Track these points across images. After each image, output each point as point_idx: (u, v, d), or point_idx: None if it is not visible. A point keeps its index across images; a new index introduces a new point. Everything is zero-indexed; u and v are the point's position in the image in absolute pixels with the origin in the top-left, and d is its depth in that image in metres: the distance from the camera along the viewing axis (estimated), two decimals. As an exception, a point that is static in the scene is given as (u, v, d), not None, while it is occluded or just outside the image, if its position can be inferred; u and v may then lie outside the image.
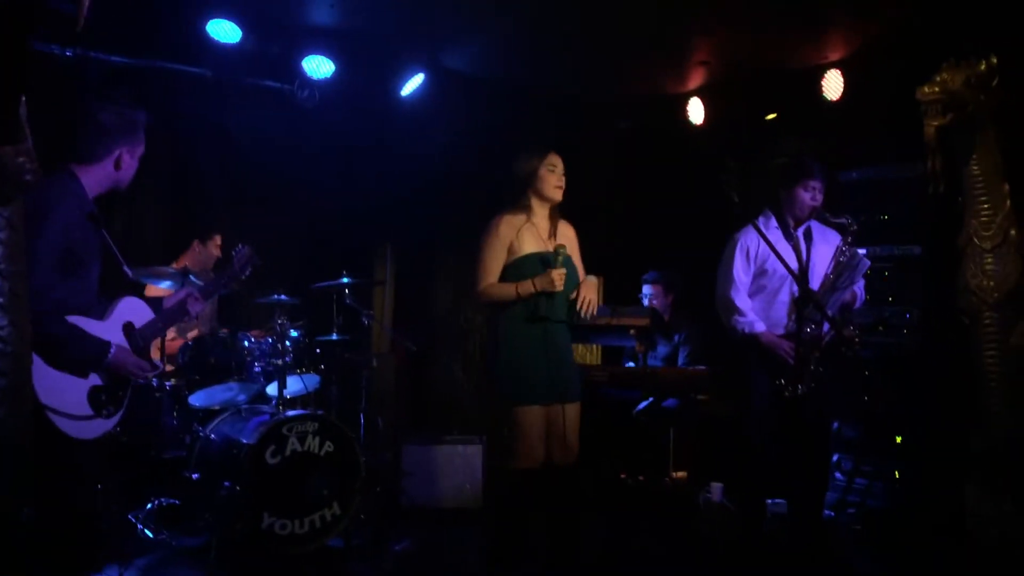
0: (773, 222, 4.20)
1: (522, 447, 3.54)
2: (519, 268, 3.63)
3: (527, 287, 3.57)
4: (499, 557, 3.65)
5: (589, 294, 3.75)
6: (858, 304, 4.25)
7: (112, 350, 3.02)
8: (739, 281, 4.19)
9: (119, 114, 3.10)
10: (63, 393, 2.91)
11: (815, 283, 4.04)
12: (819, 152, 5.05)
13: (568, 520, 3.74)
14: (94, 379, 3.02)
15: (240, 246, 3.80)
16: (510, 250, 3.64)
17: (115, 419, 3.12)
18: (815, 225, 4.23)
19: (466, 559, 4.47)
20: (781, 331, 4.13)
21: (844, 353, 4.07)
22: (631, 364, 5.75)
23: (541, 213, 3.75)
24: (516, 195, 3.71)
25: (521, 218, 3.68)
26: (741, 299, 4.18)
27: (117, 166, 3.08)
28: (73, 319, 2.96)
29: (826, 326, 3.99)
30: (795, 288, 4.03)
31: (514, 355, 3.60)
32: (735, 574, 4.13)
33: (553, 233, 3.76)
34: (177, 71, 4.93)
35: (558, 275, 3.55)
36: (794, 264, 3.97)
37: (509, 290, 3.60)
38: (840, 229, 4.10)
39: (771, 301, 4.17)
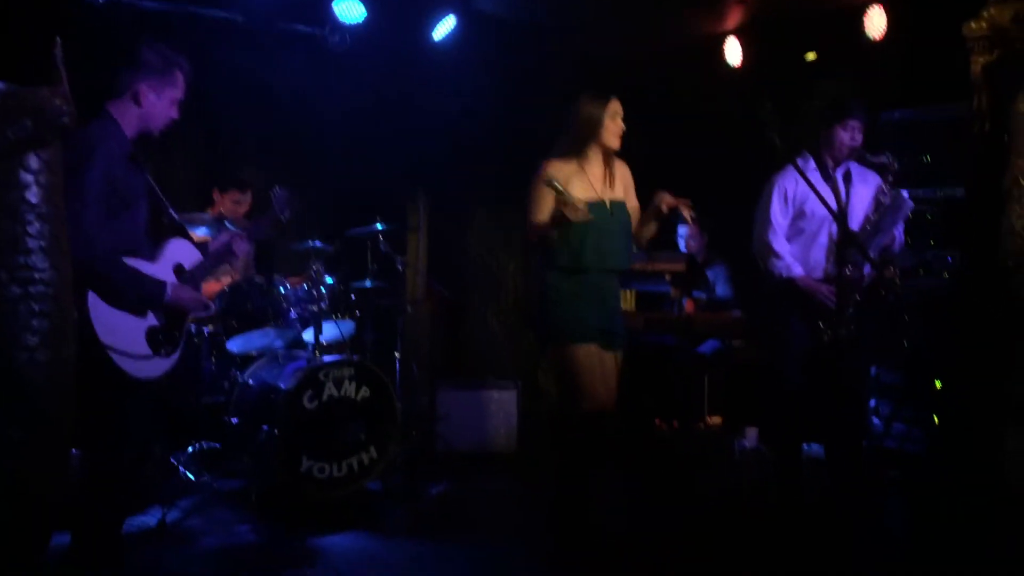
0: (812, 164, 4.11)
1: (586, 387, 3.51)
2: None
3: (560, 217, 3.43)
4: (568, 506, 3.65)
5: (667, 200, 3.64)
6: (897, 247, 4.15)
7: (169, 289, 3.06)
8: (776, 224, 4.12)
9: (155, 52, 3.09)
10: (123, 333, 2.97)
11: (855, 225, 3.96)
12: (859, 92, 4.93)
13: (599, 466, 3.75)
14: (151, 319, 3.07)
15: (278, 188, 3.80)
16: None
17: (174, 358, 3.18)
18: (854, 167, 4.13)
19: (501, 503, 4.52)
20: (820, 274, 4.06)
21: (885, 296, 4.01)
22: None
23: (596, 160, 3.68)
24: (573, 141, 3.64)
25: (572, 165, 3.61)
26: (779, 242, 4.11)
27: (137, 101, 3.07)
28: (127, 260, 2.99)
29: (867, 268, 3.92)
30: (834, 230, 3.96)
31: (563, 300, 3.58)
32: (770, 521, 4.12)
33: (609, 178, 3.69)
34: (208, 16, 4.89)
35: (570, 206, 3.40)
36: (834, 206, 3.89)
37: (547, 223, 3.53)
38: (880, 169, 4.00)
39: (810, 244, 4.09)
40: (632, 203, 3.80)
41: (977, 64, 4.34)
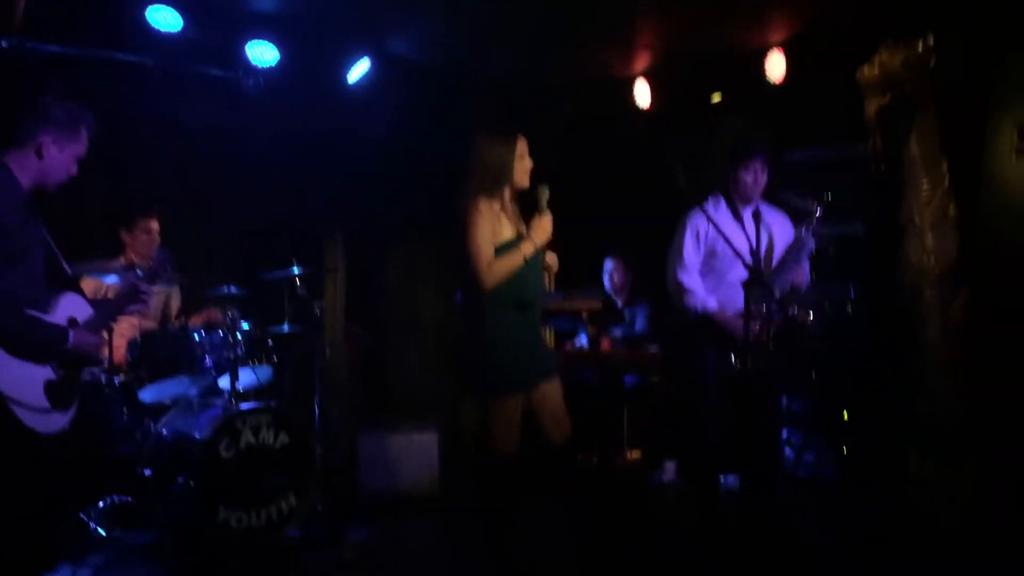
0: (723, 204, 4.24)
1: (504, 435, 3.51)
2: (500, 255, 3.53)
3: (528, 247, 3.49)
4: (489, 546, 3.61)
5: (554, 267, 3.77)
6: (804, 284, 4.29)
7: (72, 334, 2.99)
8: (689, 262, 4.23)
9: (61, 107, 3.04)
10: (22, 385, 2.88)
11: (766, 264, 4.09)
12: (761, 133, 5.12)
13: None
14: (49, 372, 2.98)
15: (160, 251, 3.72)
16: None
17: (70, 413, 3.09)
18: (764, 206, 4.28)
19: (424, 548, 4.49)
20: (732, 311, 4.18)
21: (795, 334, 4.13)
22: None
23: (507, 197, 3.67)
24: (487, 182, 3.59)
25: (496, 205, 3.59)
26: (690, 279, 4.22)
27: (39, 154, 3.00)
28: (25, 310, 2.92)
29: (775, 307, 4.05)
30: (743, 270, 4.08)
31: (499, 343, 3.52)
32: (689, 554, 4.19)
33: (520, 215, 3.71)
34: (117, 60, 4.82)
35: (548, 220, 3.51)
36: (742, 245, 4.02)
37: (516, 259, 3.48)
38: (802, 213, 4.10)
39: (721, 282, 4.21)
40: None
41: (871, 107, 4.58)
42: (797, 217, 4.15)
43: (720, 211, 4.21)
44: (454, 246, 3.62)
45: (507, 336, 3.53)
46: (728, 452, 4.37)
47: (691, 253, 4.24)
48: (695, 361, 4.31)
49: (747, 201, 4.21)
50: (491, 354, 3.52)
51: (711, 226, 4.12)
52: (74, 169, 3.12)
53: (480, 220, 3.48)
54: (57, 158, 3.04)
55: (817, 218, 4.04)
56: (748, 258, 3.91)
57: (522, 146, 3.64)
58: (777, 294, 4.01)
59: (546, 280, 3.78)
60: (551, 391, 3.64)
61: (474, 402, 3.70)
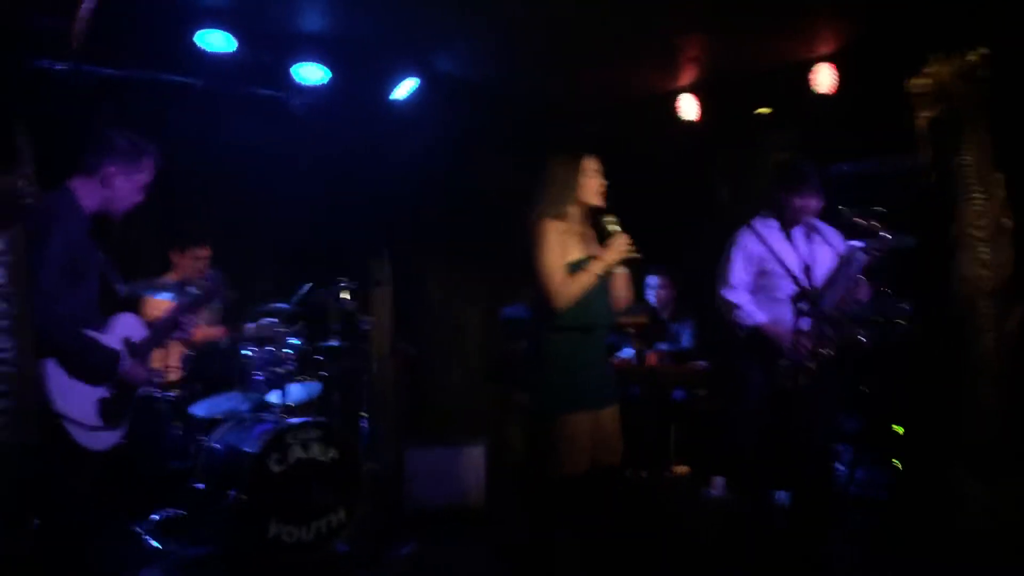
0: (773, 222, 4.21)
1: (570, 454, 3.46)
2: (571, 273, 3.50)
3: (598, 265, 3.44)
4: (540, 564, 3.59)
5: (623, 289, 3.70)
6: (863, 299, 4.21)
7: (124, 359, 3.06)
8: (736, 281, 4.21)
9: (126, 138, 3.14)
10: (76, 403, 2.96)
11: (817, 282, 4.04)
12: (809, 151, 5.06)
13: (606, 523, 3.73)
14: (102, 390, 3.05)
15: (211, 271, 3.79)
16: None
17: (121, 431, 3.16)
18: (819, 224, 4.24)
19: (471, 562, 4.49)
20: (784, 329, 4.14)
21: (846, 353, 4.07)
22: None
23: (577, 218, 3.62)
24: (555, 203, 3.56)
25: (564, 224, 3.56)
26: (736, 295, 4.20)
27: (105, 183, 3.10)
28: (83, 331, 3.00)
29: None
30: (795, 288, 4.04)
31: (565, 364, 3.50)
32: (737, 570, 4.14)
33: (589, 236, 3.65)
34: (169, 82, 4.94)
35: (622, 239, 3.46)
36: (793, 264, 3.98)
37: (588, 276, 3.44)
38: (861, 230, 4.02)
39: (773, 300, 4.17)
40: None
41: (921, 119, 4.50)
42: (853, 234, 4.09)
43: (770, 230, 4.17)
44: (521, 264, 3.58)
45: (573, 357, 3.50)
46: (779, 468, 4.32)
47: (739, 272, 4.21)
48: (744, 375, 4.27)
49: (798, 222, 4.18)
50: (555, 373, 3.49)
51: (761, 245, 4.10)
52: (139, 197, 3.21)
53: (549, 238, 3.46)
54: (123, 188, 3.14)
55: (877, 234, 3.96)
56: (799, 275, 3.88)
57: (592, 164, 3.60)
58: (827, 310, 3.96)
59: (621, 293, 3.70)
60: (610, 417, 3.60)
61: (535, 422, 3.65)
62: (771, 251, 3.51)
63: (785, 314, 4.08)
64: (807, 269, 3.97)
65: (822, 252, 4.15)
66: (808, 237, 4.14)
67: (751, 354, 4.20)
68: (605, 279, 3.57)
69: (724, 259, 4.27)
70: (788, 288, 4.07)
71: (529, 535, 3.64)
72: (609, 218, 3.53)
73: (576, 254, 3.52)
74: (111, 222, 3.21)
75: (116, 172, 3.10)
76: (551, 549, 3.57)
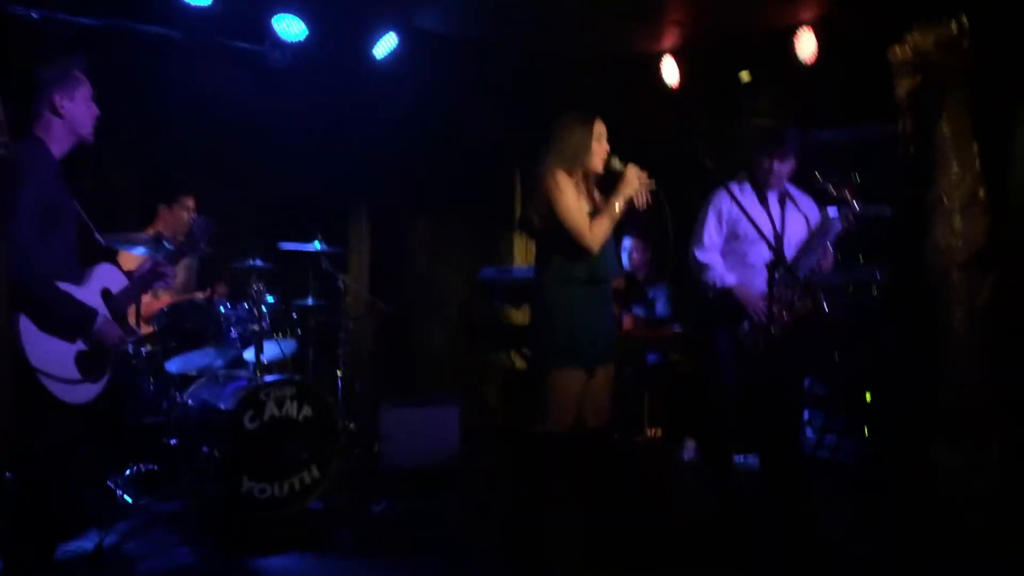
0: (748, 186, 4.22)
1: (556, 410, 3.49)
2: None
3: (620, 201, 3.45)
4: (520, 521, 3.64)
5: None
6: (827, 266, 4.24)
7: (98, 319, 3.04)
8: (708, 241, 4.24)
9: (51, 65, 3.10)
10: (53, 357, 2.94)
11: (789, 248, 4.07)
12: (790, 117, 5.06)
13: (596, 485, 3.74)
14: (79, 344, 3.04)
15: (197, 216, 3.78)
16: None
17: (102, 383, 3.15)
18: (793, 190, 4.26)
19: (445, 519, 4.53)
20: (753, 292, 4.17)
21: (809, 318, 4.12)
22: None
23: (581, 178, 3.62)
24: (564, 160, 3.53)
25: (573, 179, 3.56)
26: (707, 255, 4.23)
27: (56, 113, 3.07)
28: (58, 283, 2.97)
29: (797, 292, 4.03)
30: (767, 253, 4.07)
31: (567, 316, 3.50)
32: (705, 533, 4.18)
33: (593, 196, 3.65)
34: (146, 32, 4.84)
35: (633, 168, 3.47)
36: (766, 227, 4.00)
37: (613, 216, 3.46)
38: (833, 198, 4.04)
39: (742, 263, 4.21)
40: None
41: (902, 87, 4.52)
42: (826, 200, 4.12)
43: (745, 193, 4.19)
44: (536, 220, 3.55)
45: (576, 310, 3.51)
46: (747, 431, 4.37)
47: (712, 232, 4.24)
48: (710, 339, 4.31)
49: (774, 186, 4.20)
50: (558, 325, 3.50)
51: (735, 207, 4.11)
52: (95, 108, 3.17)
53: (566, 188, 3.47)
54: (74, 108, 3.10)
55: (849, 203, 3.98)
56: (772, 240, 3.90)
57: (600, 128, 3.59)
58: (801, 276, 3.99)
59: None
60: (602, 376, 3.62)
61: (529, 373, 3.66)
62: (744, 214, 3.52)
63: (754, 278, 4.13)
64: (779, 234, 4.00)
65: (794, 218, 4.18)
66: (782, 203, 4.16)
67: (718, 316, 4.23)
68: (611, 237, 3.58)
69: (699, 219, 4.29)
70: (759, 252, 4.10)
71: (514, 490, 3.66)
72: (613, 158, 3.54)
73: (586, 208, 3.53)
74: (81, 173, 3.18)
75: (60, 98, 3.06)
76: (536, 505, 3.60)
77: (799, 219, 4.18)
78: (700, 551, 3.91)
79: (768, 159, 4.13)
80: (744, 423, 4.25)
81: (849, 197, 3.95)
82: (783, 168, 4.14)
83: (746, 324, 4.10)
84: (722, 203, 4.22)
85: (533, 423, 3.53)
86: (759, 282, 4.10)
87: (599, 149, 3.58)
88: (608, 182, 3.60)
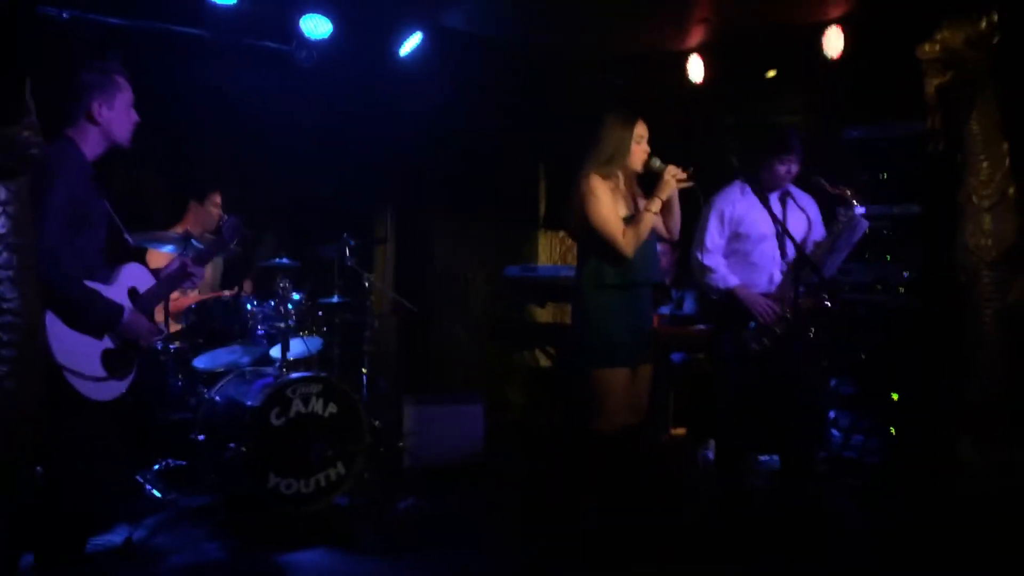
0: (749, 186, 4.21)
1: (607, 410, 3.53)
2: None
3: (656, 204, 3.51)
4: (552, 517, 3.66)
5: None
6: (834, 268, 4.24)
7: (126, 313, 3.07)
8: (710, 244, 4.23)
9: (93, 69, 3.11)
10: (79, 354, 2.96)
11: (790, 247, 4.05)
12: (820, 114, 5.02)
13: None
14: (107, 341, 3.07)
15: (228, 216, 3.81)
16: None
17: (128, 381, 3.18)
18: (794, 190, 4.25)
19: (468, 517, 4.54)
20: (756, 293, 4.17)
21: (816, 317, 4.12)
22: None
23: (621, 179, 3.66)
24: (604, 162, 3.59)
25: (611, 183, 3.60)
26: (710, 258, 4.23)
27: (93, 120, 3.07)
28: (86, 282, 3.01)
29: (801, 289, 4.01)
30: (769, 250, 4.09)
31: (607, 320, 3.56)
32: (705, 533, 4.15)
33: (634, 198, 3.69)
34: (174, 32, 4.88)
35: (672, 168, 3.52)
36: (768, 228, 4.02)
37: (648, 219, 3.51)
38: (835, 198, 4.05)
39: (745, 263, 4.20)
40: None
41: (931, 85, 4.46)
42: (829, 200, 4.11)
43: (746, 194, 4.18)
44: (573, 222, 3.60)
45: (612, 314, 3.56)
46: (765, 431, 4.35)
47: (714, 235, 4.24)
48: (716, 340, 4.32)
49: (776, 188, 4.19)
50: (596, 328, 3.56)
51: (736, 207, 4.13)
52: (134, 115, 3.18)
53: (600, 192, 3.50)
54: (112, 115, 3.10)
55: (849, 203, 3.98)
56: (774, 240, 3.91)
57: (641, 129, 3.62)
58: (828, 275, 3.99)
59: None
60: (643, 376, 3.66)
61: (574, 377, 3.68)
62: (746, 215, 3.53)
63: (758, 278, 4.15)
64: (780, 234, 3.99)
65: (796, 218, 4.17)
66: (783, 202, 4.16)
67: (723, 317, 4.23)
68: (652, 238, 3.60)
69: (701, 221, 4.29)
70: (763, 251, 4.12)
71: (559, 491, 3.68)
72: (653, 158, 3.57)
73: (623, 212, 3.55)
74: (111, 172, 3.20)
75: (99, 104, 3.07)
76: (578, 505, 3.62)
77: (800, 217, 4.19)
78: (700, 551, 3.90)
79: (774, 160, 4.12)
80: (762, 423, 4.24)
81: (849, 197, 3.96)
82: (787, 171, 4.13)
83: (752, 324, 4.09)
84: (724, 204, 4.22)
85: (584, 423, 3.55)
86: (763, 281, 4.12)
87: (639, 150, 3.60)
88: (651, 181, 3.62)
